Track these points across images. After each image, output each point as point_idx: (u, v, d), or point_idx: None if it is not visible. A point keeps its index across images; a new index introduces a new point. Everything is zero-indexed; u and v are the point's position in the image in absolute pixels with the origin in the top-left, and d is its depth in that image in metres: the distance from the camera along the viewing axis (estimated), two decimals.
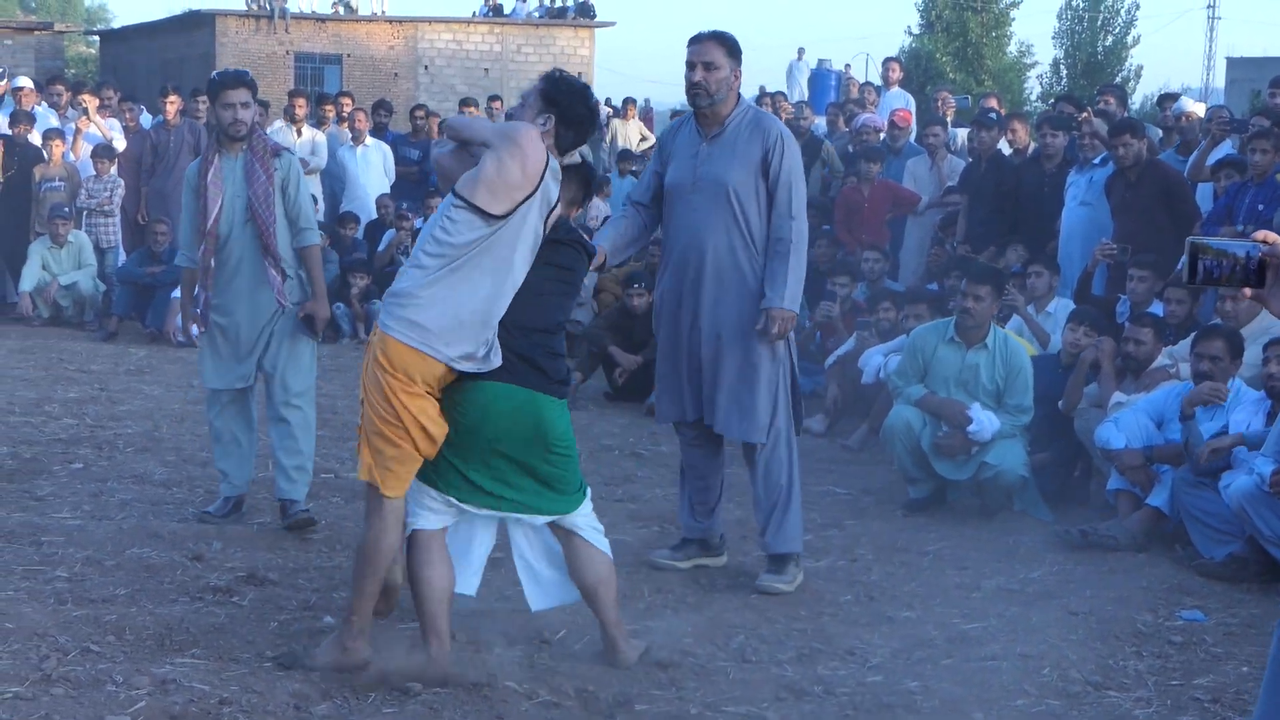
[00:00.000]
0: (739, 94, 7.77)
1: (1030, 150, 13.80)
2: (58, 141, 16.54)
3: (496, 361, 6.04)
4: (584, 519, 6.40)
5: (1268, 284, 3.85)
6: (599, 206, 20.03)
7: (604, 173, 23.82)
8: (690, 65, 7.59)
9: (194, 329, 8.58)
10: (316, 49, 37.81)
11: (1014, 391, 9.36)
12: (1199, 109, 15.71)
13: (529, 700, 6.03)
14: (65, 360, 14.06)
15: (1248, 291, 3.88)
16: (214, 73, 8.95)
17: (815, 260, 14.27)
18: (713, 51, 7.56)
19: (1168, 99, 14.79)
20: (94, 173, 16.68)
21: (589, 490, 6.47)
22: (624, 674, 6.33)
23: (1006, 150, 14.47)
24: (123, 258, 16.56)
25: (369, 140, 17.69)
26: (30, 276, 15.97)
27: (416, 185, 18.17)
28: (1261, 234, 3.87)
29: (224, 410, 8.60)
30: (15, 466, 9.68)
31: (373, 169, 17.92)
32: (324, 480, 9.53)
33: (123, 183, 16.80)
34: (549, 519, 6.33)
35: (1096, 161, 12.20)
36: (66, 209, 16.22)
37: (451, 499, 6.20)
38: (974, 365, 9.40)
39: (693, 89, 7.59)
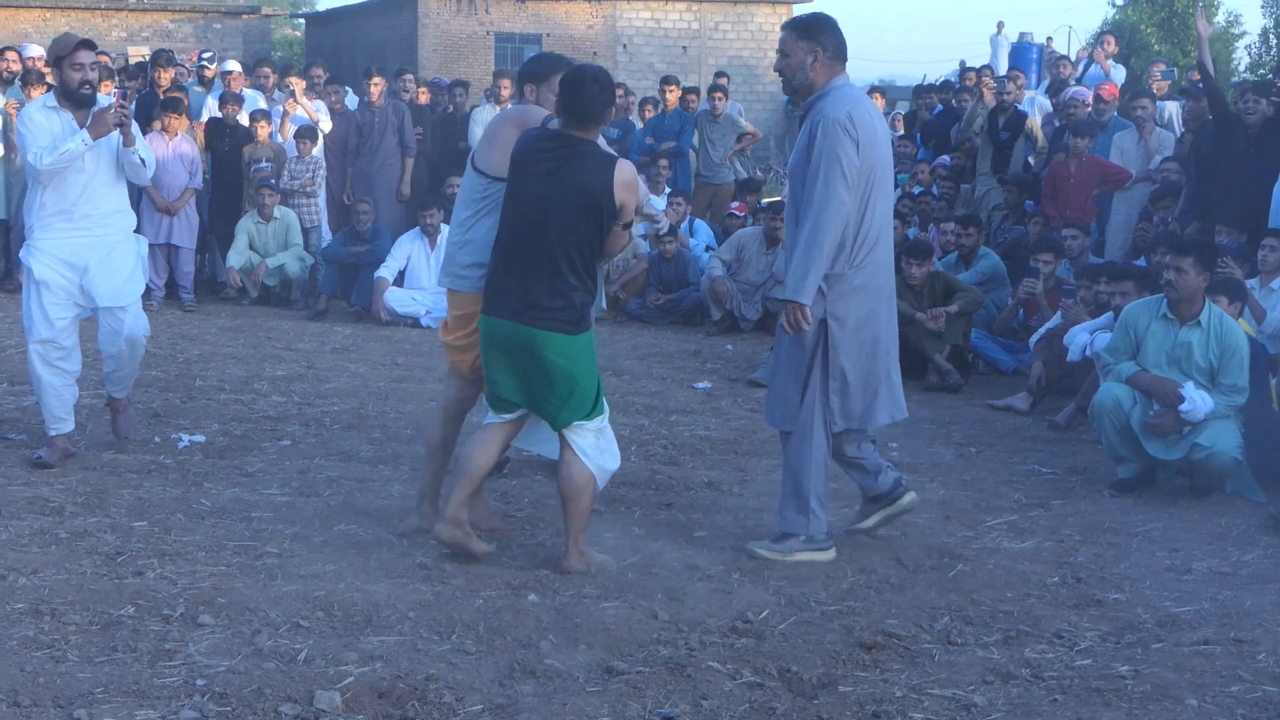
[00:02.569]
0: (829, 74, 7.50)
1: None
2: (263, 122, 16.78)
3: None
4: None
5: None
6: None
7: None
8: None
9: None
10: (516, 29, 38.07)
11: (1229, 371, 9.12)
12: None
13: (732, 680, 6.01)
14: (273, 339, 14.31)
15: None
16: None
17: (1024, 235, 14.13)
18: (784, 37, 7.65)
19: None
20: (296, 154, 16.92)
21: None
22: (828, 655, 6.29)
23: None
24: (327, 237, 16.78)
25: None
26: (238, 254, 16.26)
27: None
28: None
29: None
30: (226, 444, 9.86)
31: None
32: (527, 458, 9.58)
33: (324, 163, 16.98)
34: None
35: None
36: (273, 180, 16.47)
37: None
38: (1187, 343, 9.18)
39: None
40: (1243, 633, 6.63)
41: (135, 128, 9.51)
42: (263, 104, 17.78)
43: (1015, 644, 6.53)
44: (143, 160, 9.35)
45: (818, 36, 7.50)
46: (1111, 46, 20.29)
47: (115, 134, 9.17)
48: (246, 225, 16.45)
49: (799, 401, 7.61)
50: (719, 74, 21.20)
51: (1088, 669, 6.24)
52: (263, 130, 16.76)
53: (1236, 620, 6.83)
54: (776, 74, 7.76)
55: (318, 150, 17.03)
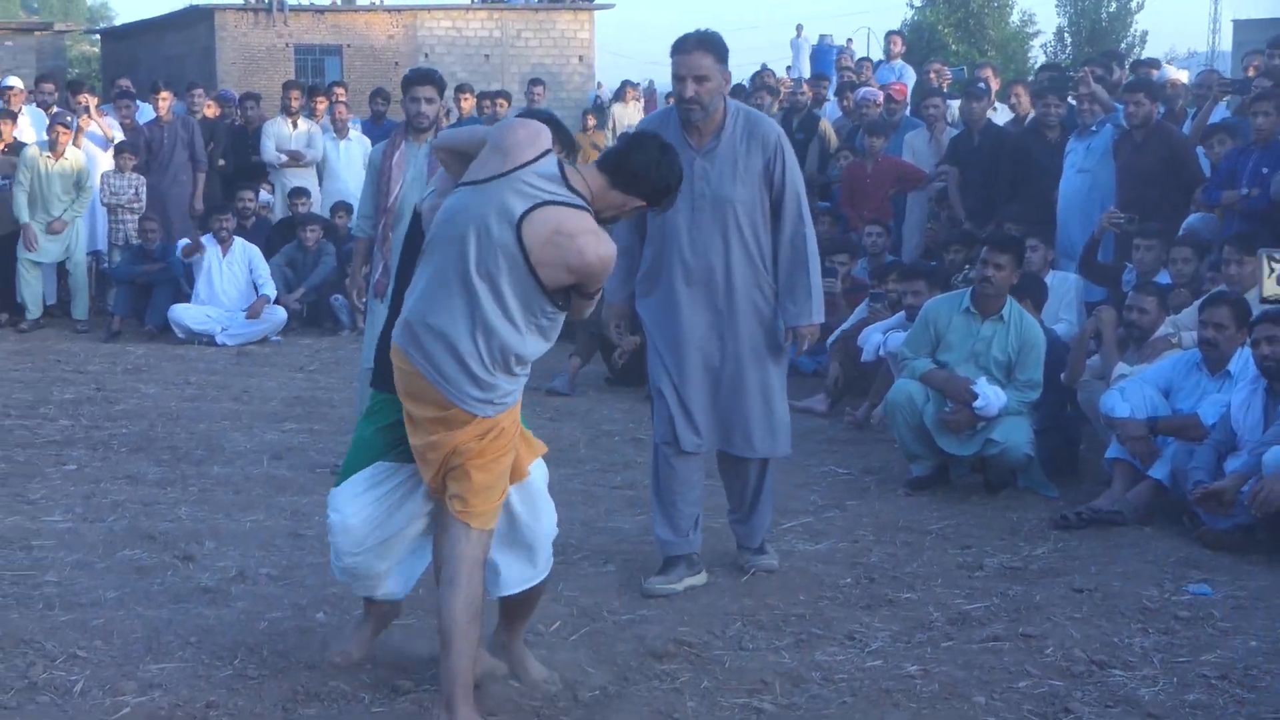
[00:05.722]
0: (725, 96, 7.18)
1: (1028, 120, 13.65)
2: None
3: None
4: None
5: None
6: None
7: None
8: (680, 79, 6.98)
9: (359, 299, 9.87)
10: (316, 40, 37.60)
11: (1025, 366, 9.18)
12: (1182, 76, 15.69)
13: (520, 695, 5.94)
14: (62, 361, 13.95)
15: None
16: (409, 69, 10.03)
17: (817, 236, 14.18)
18: (702, 62, 6.96)
19: (1142, 66, 14.75)
20: (114, 168, 16.38)
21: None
22: (618, 666, 6.23)
23: (1000, 120, 14.37)
24: None
25: (352, 133, 17.53)
26: (22, 200, 15.59)
27: None
28: None
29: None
30: (8, 470, 9.60)
31: (354, 160, 17.39)
32: (319, 475, 9.43)
33: (144, 180, 16.41)
34: None
35: (1094, 128, 12.10)
36: (70, 119, 16.06)
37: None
38: (987, 337, 9.23)
39: (685, 105, 7.01)
40: (1032, 628, 6.70)
41: None
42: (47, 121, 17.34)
43: (807, 647, 6.52)
44: None
45: (727, 57, 7.10)
46: (898, 47, 20.54)
47: None
48: (33, 160, 15.69)
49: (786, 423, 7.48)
50: (534, 81, 20.98)
51: (878, 670, 6.25)
52: None
53: (1026, 615, 6.89)
54: (688, 99, 6.97)
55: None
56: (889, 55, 20.38)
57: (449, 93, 20.51)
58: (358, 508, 5.86)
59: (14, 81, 18.24)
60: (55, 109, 17.68)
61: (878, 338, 10.94)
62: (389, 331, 5.74)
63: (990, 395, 9.02)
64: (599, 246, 5.37)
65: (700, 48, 7.01)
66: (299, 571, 7.47)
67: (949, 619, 6.87)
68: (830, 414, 11.61)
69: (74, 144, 16.47)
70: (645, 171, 5.54)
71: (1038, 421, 9.29)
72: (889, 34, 21.17)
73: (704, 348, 7.29)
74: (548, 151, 5.49)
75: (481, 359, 5.46)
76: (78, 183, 15.90)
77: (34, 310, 15.90)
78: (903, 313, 10.84)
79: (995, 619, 6.86)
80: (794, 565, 7.66)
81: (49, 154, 15.75)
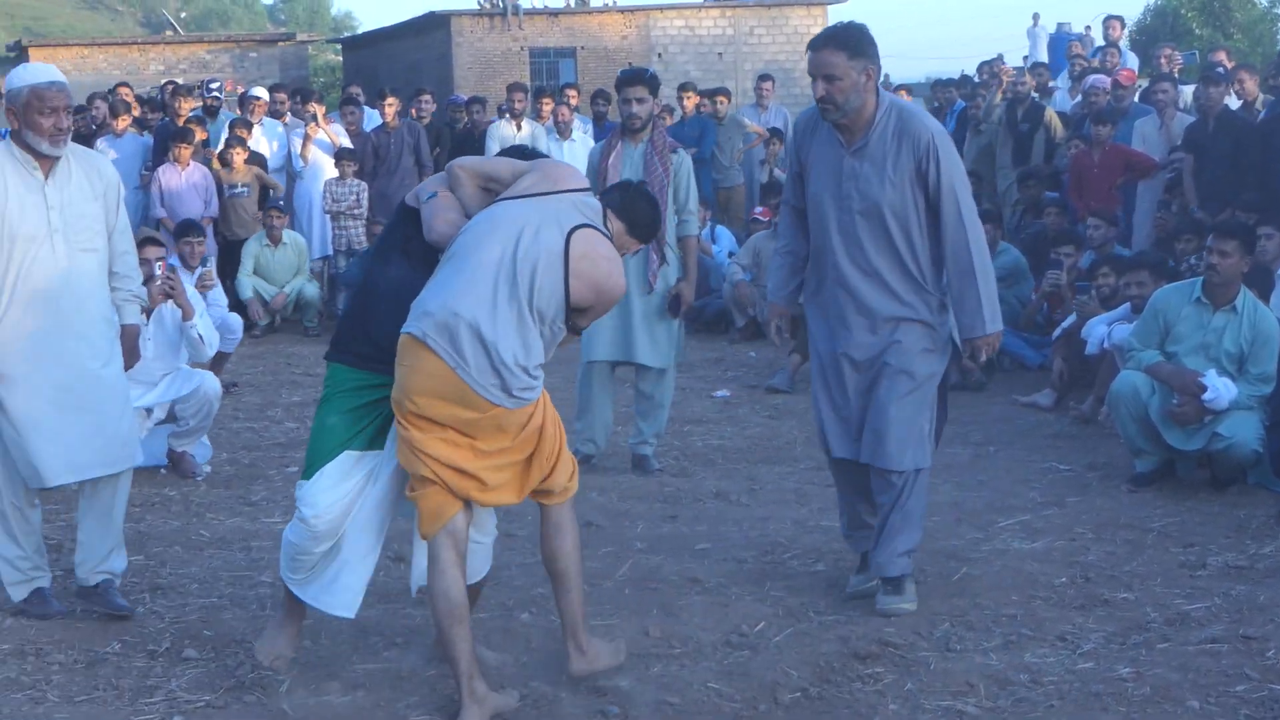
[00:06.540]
0: (878, 91, 6.79)
1: (1259, 102, 13.21)
2: (238, 149, 16.55)
3: None
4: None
5: None
6: None
7: None
8: (812, 78, 6.73)
9: None
10: (550, 43, 37.93)
11: (1258, 359, 8.89)
12: None
13: (719, 696, 5.88)
14: (292, 364, 14.26)
15: None
16: (621, 69, 10.04)
17: (1045, 228, 13.91)
18: (831, 60, 6.62)
19: None
20: (336, 175, 16.70)
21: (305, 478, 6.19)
22: (820, 667, 6.13)
23: (1234, 105, 13.91)
24: None
25: (576, 134, 17.57)
26: (246, 284, 15.98)
27: None
28: None
29: (592, 380, 9.71)
30: (233, 473, 9.79)
31: (577, 162, 17.45)
32: None
33: (365, 185, 16.69)
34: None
35: None
36: (281, 201, 16.37)
37: None
38: (1219, 328, 8.96)
39: (820, 105, 6.74)
40: (1253, 629, 6.46)
41: (195, 296, 9.57)
42: (280, 131, 17.72)
43: (1016, 648, 6.36)
44: (201, 336, 9.51)
45: (868, 52, 6.73)
46: (1116, 32, 20.08)
47: (171, 306, 9.39)
48: (254, 249, 16.13)
49: (932, 434, 7.04)
50: (763, 76, 20.80)
51: (1089, 672, 6.07)
52: (238, 157, 16.53)
53: (1248, 616, 6.65)
54: (820, 98, 6.70)
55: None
56: (1107, 40, 19.90)
57: (672, 91, 20.61)
58: (331, 501, 6.02)
59: (259, 92, 18.66)
60: (288, 118, 18.07)
61: (1102, 330, 10.67)
62: (358, 306, 6.32)
63: (1220, 388, 8.74)
64: (620, 277, 5.88)
65: (830, 45, 6.70)
66: (507, 572, 7.47)
67: (1166, 620, 6.66)
68: (1056, 409, 11.37)
69: (302, 153, 16.87)
70: (647, 219, 6.17)
71: (1268, 415, 8.98)
72: (1107, 19, 20.62)
73: (853, 354, 6.91)
74: (588, 189, 6.03)
75: (507, 352, 5.63)
76: (298, 267, 16.31)
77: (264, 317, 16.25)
78: (1127, 305, 10.55)
79: (1215, 620, 6.63)
80: (1008, 564, 7.48)
81: (268, 243, 16.14)
